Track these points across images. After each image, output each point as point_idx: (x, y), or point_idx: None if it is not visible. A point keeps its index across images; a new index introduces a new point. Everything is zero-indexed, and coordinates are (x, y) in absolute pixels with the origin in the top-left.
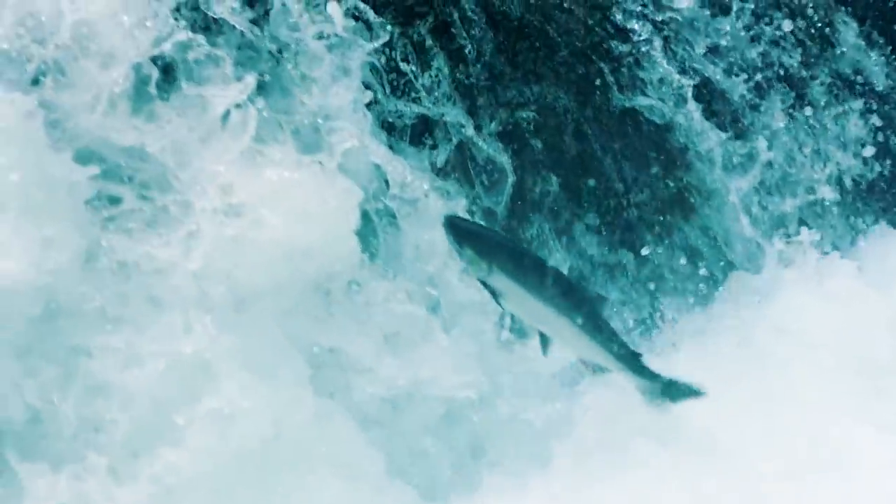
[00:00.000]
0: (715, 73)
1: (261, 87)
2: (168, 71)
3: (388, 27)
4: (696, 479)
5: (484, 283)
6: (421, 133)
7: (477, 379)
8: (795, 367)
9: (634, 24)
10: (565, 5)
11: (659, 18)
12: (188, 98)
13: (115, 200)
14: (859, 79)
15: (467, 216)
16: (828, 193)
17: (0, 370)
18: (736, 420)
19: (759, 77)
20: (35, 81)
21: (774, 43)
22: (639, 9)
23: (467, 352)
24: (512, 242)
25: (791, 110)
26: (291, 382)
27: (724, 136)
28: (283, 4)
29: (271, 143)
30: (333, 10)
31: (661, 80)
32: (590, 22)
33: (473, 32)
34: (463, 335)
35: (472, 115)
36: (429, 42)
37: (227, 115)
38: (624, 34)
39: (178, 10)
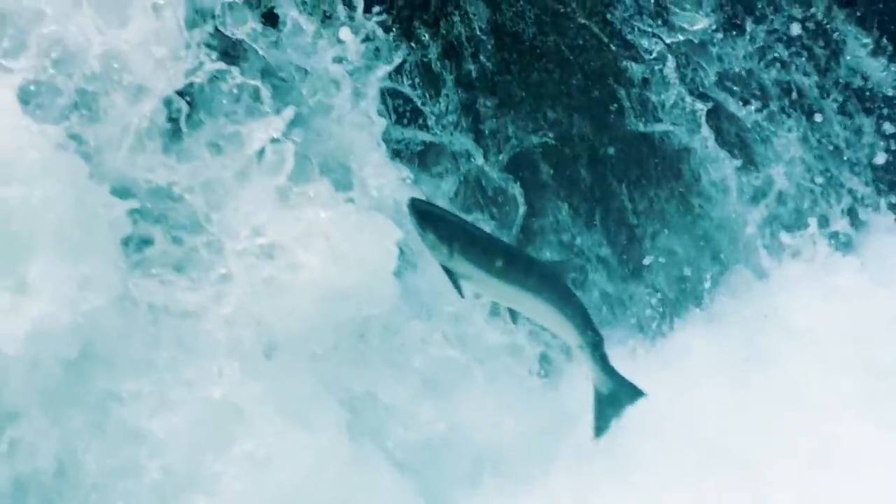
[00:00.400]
0: (727, 98)
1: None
2: (199, 104)
3: (400, 51)
4: (698, 480)
5: (446, 268)
6: (428, 162)
7: (512, 422)
8: (800, 366)
9: (648, 44)
10: (578, 21)
11: (672, 40)
12: (221, 133)
13: (145, 241)
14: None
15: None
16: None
17: (29, 419)
18: (740, 420)
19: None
20: (65, 114)
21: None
22: (651, 29)
23: (503, 395)
24: (473, 226)
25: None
26: (326, 427)
27: (737, 163)
28: (298, 26)
29: (303, 180)
30: (345, 35)
31: (675, 104)
32: (604, 39)
33: (483, 56)
34: (497, 378)
35: (481, 143)
36: (436, 66)
37: (262, 151)
38: (638, 54)
39: (209, 41)
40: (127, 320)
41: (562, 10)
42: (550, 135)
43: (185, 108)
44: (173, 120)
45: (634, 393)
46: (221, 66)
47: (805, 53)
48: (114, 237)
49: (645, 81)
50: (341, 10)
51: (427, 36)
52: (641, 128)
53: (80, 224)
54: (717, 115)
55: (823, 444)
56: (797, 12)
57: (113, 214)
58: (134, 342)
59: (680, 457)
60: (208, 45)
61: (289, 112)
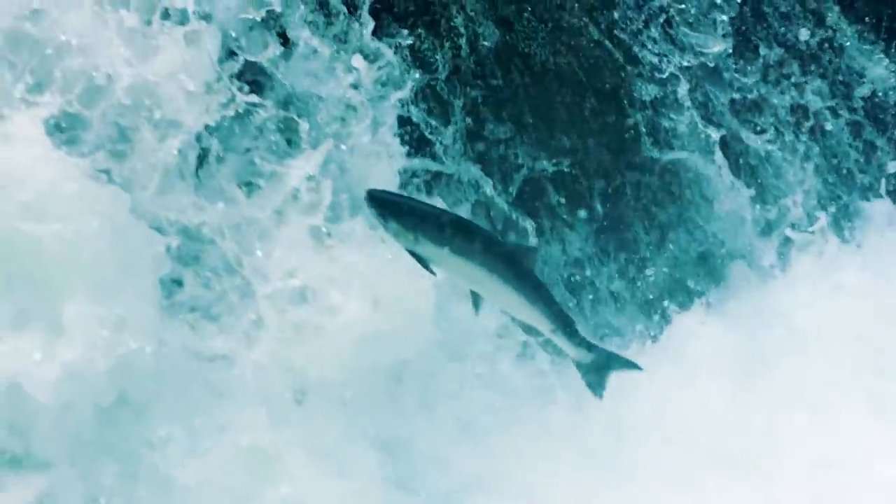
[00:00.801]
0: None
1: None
2: (230, 138)
3: (411, 75)
4: (702, 480)
5: (412, 253)
6: (437, 192)
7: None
8: (805, 365)
9: (662, 65)
10: (592, 41)
11: (686, 63)
12: (254, 170)
13: (175, 282)
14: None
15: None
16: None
17: (59, 468)
18: (744, 419)
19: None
20: (93, 149)
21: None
22: (664, 52)
23: (536, 438)
24: (436, 209)
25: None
26: (359, 473)
27: (752, 192)
28: (312, 49)
29: (335, 218)
30: (358, 62)
31: (688, 130)
32: (619, 59)
33: (494, 80)
34: (528, 420)
35: (491, 172)
36: (444, 91)
37: (296, 190)
38: (652, 76)
39: (236, 69)
40: (159, 364)
41: (575, 28)
42: (565, 162)
43: (216, 144)
44: (204, 156)
45: (619, 361)
46: (254, 98)
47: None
48: (151, 277)
49: (658, 104)
50: (352, 33)
51: (436, 58)
52: (656, 154)
53: (116, 262)
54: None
55: (828, 444)
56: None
57: (150, 253)
58: (165, 386)
59: (684, 457)
60: (236, 76)
61: (326, 146)
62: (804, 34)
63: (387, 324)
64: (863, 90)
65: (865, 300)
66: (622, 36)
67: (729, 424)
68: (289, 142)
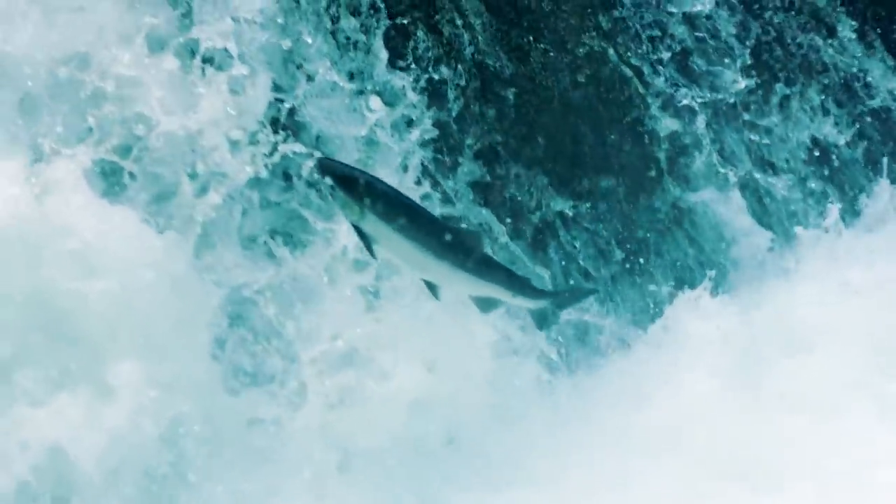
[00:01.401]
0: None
1: None
2: (271, 192)
3: (428, 113)
4: (705, 480)
5: (357, 229)
6: None
7: None
8: (810, 365)
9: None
10: (611, 69)
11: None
12: (296, 225)
13: (219, 344)
14: None
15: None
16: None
17: None
18: (747, 422)
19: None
20: (137, 198)
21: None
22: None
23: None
24: (386, 185)
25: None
26: None
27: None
28: (334, 86)
29: (382, 275)
30: (376, 104)
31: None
32: (640, 90)
33: (507, 111)
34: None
35: (502, 216)
36: (455, 130)
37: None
38: (674, 112)
39: (276, 119)
40: (205, 427)
41: (593, 56)
42: (583, 206)
43: (256, 197)
44: (247, 209)
45: (575, 294)
46: (297, 147)
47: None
48: (203, 335)
49: (678, 142)
50: (367, 68)
51: (448, 93)
52: (678, 194)
53: (167, 318)
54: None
55: (834, 447)
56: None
57: (202, 309)
58: (212, 451)
59: (686, 461)
60: (275, 121)
61: None
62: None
63: (439, 388)
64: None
65: (872, 299)
66: (642, 66)
67: (731, 427)
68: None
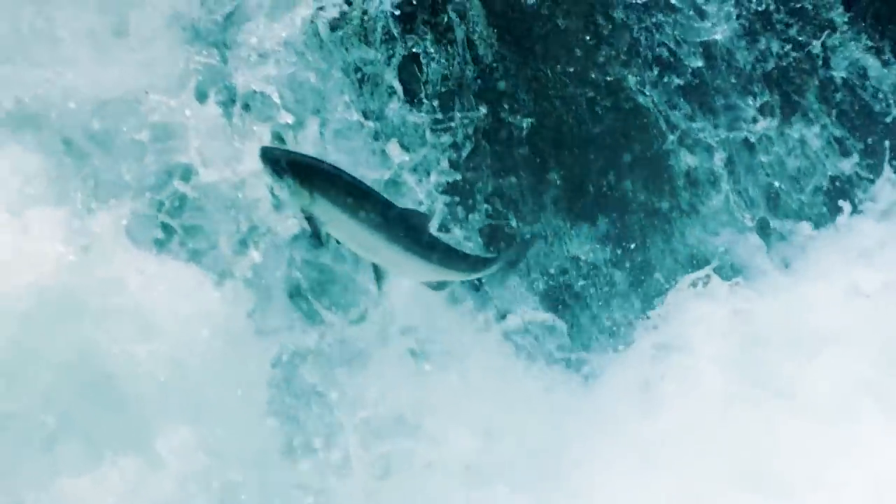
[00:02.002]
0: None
1: None
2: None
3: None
4: (708, 481)
5: (307, 215)
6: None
7: None
8: (818, 369)
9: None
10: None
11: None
12: (341, 286)
13: (270, 408)
14: None
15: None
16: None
17: None
18: (751, 428)
19: None
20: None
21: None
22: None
23: None
24: (334, 168)
25: None
26: None
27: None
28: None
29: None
30: (393, 149)
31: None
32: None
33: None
34: None
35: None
36: (466, 171)
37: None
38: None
39: None
40: (253, 496)
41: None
42: (602, 252)
43: (300, 254)
44: (289, 266)
45: (520, 250)
46: None
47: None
48: (257, 398)
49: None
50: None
51: (462, 130)
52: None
53: (221, 382)
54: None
55: (839, 452)
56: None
57: (255, 371)
58: None
59: (692, 458)
60: None
61: None
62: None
63: (494, 454)
64: None
65: (880, 302)
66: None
67: (739, 430)
68: None
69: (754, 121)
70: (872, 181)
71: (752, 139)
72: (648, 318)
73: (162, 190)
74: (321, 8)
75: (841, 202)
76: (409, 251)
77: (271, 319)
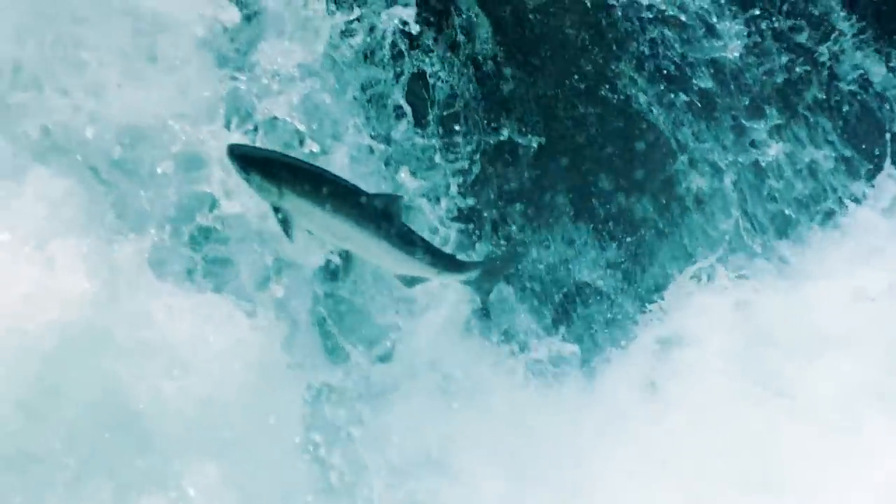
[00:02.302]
0: None
1: None
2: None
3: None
4: (712, 482)
5: (276, 210)
6: None
7: None
8: (822, 367)
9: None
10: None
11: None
12: (366, 320)
13: (299, 445)
14: None
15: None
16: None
17: None
18: (755, 432)
19: None
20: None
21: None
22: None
23: None
24: (300, 162)
25: None
26: None
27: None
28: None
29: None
30: (405, 176)
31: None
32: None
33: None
34: None
35: (524, 296)
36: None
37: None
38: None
39: None
40: None
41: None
42: (612, 277)
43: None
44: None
45: (502, 263)
46: None
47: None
48: (286, 435)
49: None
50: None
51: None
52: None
53: (251, 418)
54: None
55: (845, 456)
56: None
57: (285, 407)
58: None
59: (695, 459)
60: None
61: None
62: None
63: (524, 492)
64: None
65: (885, 303)
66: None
67: (742, 432)
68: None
69: (764, 144)
70: (873, 178)
71: (762, 162)
72: (653, 316)
73: (186, 221)
74: (339, 30)
75: (844, 201)
76: (381, 239)
77: (297, 355)
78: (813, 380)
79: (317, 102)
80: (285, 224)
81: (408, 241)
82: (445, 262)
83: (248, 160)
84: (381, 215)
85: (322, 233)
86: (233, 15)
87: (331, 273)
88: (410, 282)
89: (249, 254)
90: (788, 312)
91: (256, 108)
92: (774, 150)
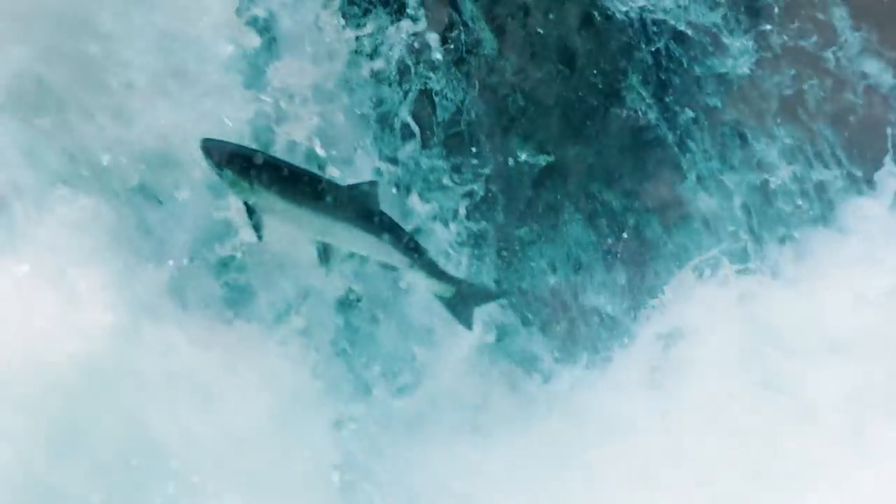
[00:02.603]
0: None
1: None
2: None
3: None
4: (715, 483)
5: (248, 206)
6: None
7: None
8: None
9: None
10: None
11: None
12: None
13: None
14: None
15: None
16: None
17: None
18: (759, 436)
19: None
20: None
21: None
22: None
23: None
24: (273, 158)
25: None
26: None
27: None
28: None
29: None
30: (415, 201)
31: None
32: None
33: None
34: None
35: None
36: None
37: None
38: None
39: None
40: None
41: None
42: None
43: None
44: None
45: (483, 292)
46: None
47: None
48: (312, 471)
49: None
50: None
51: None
52: None
53: (273, 452)
54: None
55: (851, 460)
56: None
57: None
58: None
59: (698, 459)
60: None
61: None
62: None
63: None
64: None
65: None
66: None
67: (746, 435)
68: None
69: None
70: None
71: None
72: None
73: (207, 249)
74: (351, 48)
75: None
76: (360, 229)
77: (321, 386)
78: (816, 379)
79: (332, 124)
80: (255, 221)
81: (385, 229)
82: (420, 258)
83: (220, 154)
84: (358, 205)
85: (294, 226)
86: (252, 38)
87: (349, 303)
88: (387, 267)
89: (270, 282)
90: (792, 311)
91: (276, 132)
92: (784, 172)
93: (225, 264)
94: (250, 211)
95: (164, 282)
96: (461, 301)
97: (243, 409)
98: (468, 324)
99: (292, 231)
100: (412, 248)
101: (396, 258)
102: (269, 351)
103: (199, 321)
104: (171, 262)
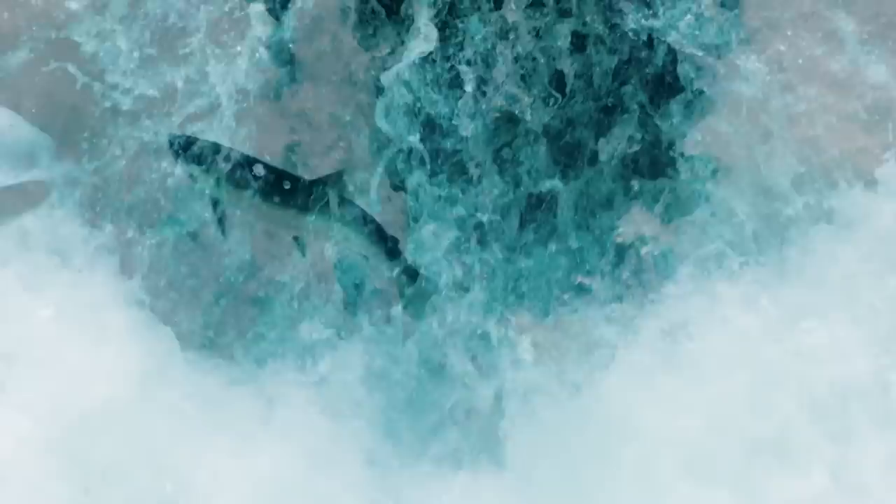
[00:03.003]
0: None
1: None
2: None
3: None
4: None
5: (215, 201)
6: None
7: None
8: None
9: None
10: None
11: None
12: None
13: None
14: None
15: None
16: None
17: None
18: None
19: None
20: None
21: None
22: None
23: None
24: (239, 154)
25: None
26: None
27: None
28: None
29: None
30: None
31: None
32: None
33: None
34: None
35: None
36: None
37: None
38: None
39: None
40: None
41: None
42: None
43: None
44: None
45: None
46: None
47: None
48: None
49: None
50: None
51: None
52: None
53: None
54: None
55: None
56: None
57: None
58: None
59: (701, 460)
60: None
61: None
62: None
63: None
64: None
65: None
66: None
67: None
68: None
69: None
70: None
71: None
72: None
73: (231, 289)
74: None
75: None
76: (325, 220)
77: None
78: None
79: (346, 151)
80: (220, 216)
81: (351, 218)
82: (384, 244)
83: (186, 150)
84: (322, 196)
85: (261, 220)
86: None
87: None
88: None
89: (292, 324)
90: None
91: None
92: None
93: (249, 305)
94: (215, 205)
95: (195, 323)
96: (418, 294)
97: (276, 453)
98: (420, 316)
99: (261, 226)
100: (377, 234)
101: (365, 247)
102: (302, 395)
103: (230, 364)
104: (199, 303)
